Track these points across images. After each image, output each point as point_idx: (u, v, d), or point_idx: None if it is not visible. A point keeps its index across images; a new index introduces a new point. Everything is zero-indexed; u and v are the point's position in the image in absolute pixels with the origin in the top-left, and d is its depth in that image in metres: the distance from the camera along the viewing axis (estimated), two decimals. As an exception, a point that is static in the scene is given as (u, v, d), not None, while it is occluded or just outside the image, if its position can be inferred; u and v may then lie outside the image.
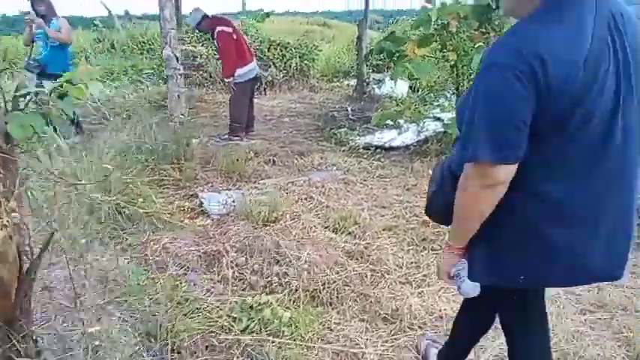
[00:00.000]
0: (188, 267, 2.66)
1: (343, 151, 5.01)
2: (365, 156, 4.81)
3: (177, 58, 4.08)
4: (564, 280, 1.30)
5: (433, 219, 1.50)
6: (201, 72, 8.14)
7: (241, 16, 13.62)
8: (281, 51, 8.66)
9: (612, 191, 1.15)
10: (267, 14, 13.51)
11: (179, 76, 4.12)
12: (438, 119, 5.80)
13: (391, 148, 5.05)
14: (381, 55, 4.61)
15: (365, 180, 4.17)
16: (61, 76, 4.69)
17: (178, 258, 2.70)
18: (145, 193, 3.22)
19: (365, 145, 5.02)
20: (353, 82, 8.71)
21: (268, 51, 8.64)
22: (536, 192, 1.14)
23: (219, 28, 5.10)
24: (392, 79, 4.54)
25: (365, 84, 7.60)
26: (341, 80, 9.39)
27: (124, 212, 3.02)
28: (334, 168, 4.42)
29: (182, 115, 4.20)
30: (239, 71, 5.20)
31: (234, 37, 5.13)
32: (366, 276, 2.61)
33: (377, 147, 4.98)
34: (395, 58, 4.67)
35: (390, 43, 4.46)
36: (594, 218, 1.16)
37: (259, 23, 11.72)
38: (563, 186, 1.13)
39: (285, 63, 8.60)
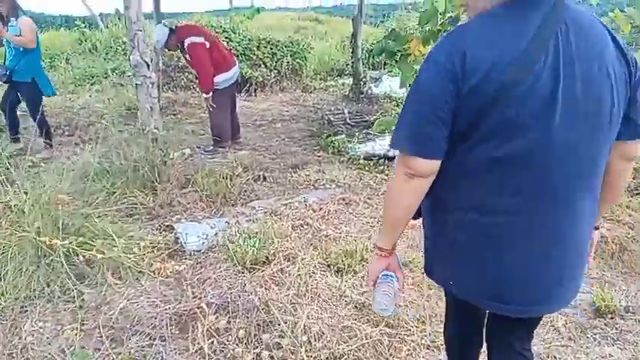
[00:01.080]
0: (154, 336, 2.03)
1: (342, 162, 4.38)
2: (367, 168, 4.18)
3: (147, 65, 3.43)
4: (492, 299, 1.12)
5: None
6: (186, 74, 7.45)
7: (230, 13, 12.93)
8: (271, 49, 7.97)
9: (543, 215, 1.04)
10: (258, 10, 12.78)
11: (150, 85, 3.46)
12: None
13: (395, 158, 4.43)
14: (382, 56, 3.97)
15: (369, 199, 3.56)
16: (30, 83, 3.91)
17: (141, 324, 2.07)
18: (106, 231, 2.58)
19: (366, 155, 4.39)
20: (348, 80, 8.05)
21: (258, 49, 7.96)
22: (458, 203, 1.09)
23: (188, 41, 4.37)
24: (402, 87, 3.88)
25: (362, 83, 6.96)
26: (335, 79, 8.72)
27: (79, 259, 2.38)
28: (333, 185, 3.79)
29: (156, 129, 3.55)
30: (219, 77, 4.53)
31: (207, 45, 4.42)
32: (381, 342, 1.99)
33: (379, 157, 4.36)
34: (398, 58, 4.04)
35: (392, 42, 3.83)
36: (522, 242, 1.05)
37: (249, 20, 11.01)
38: (484, 199, 1.05)
39: (275, 62, 7.92)
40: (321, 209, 3.33)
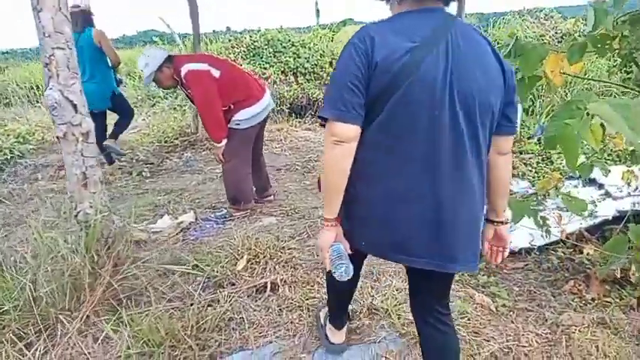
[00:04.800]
0: None
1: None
2: (479, 287, 2.28)
3: (74, 106, 1.93)
4: (395, 253, 1.24)
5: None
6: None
7: (314, 27, 11.55)
8: (345, 66, 6.27)
9: (429, 175, 1.16)
10: (344, 22, 11.18)
11: (80, 138, 1.96)
12: (600, 186, 3.06)
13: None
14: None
15: None
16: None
17: None
18: None
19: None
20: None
21: (330, 66, 6.34)
22: (364, 163, 1.19)
23: (184, 69, 2.83)
24: (545, 149, 1.91)
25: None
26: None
27: None
28: (384, 330, 1.96)
29: (92, 207, 2.04)
30: (241, 114, 2.95)
31: (216, 74, 2.85)
32: None
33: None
34: (524, 84, 2.14)
35: (519, 63, 1.94)
36: (411, 197, 1.18)
37: (334, 34, 9.42)
38: (382, 159, 1.18)
39: (349, 82, 6.20)
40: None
